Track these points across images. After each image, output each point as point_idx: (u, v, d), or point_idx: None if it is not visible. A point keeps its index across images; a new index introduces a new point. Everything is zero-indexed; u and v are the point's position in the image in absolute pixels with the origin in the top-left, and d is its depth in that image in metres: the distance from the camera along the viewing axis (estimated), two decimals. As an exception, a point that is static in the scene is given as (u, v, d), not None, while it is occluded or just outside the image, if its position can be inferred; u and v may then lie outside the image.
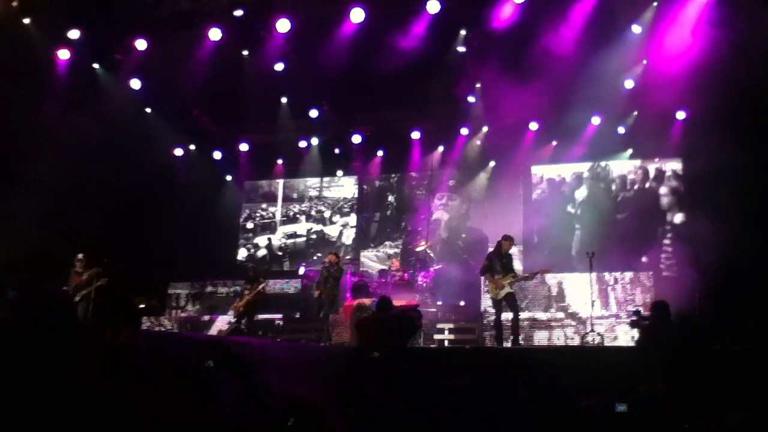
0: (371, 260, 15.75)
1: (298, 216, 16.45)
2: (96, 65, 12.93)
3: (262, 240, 16.42)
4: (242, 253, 16.44)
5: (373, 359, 7.91)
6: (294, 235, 16.32)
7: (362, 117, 15.27)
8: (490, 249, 11.18)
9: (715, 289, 10.74)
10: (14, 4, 11.40)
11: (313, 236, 16.19)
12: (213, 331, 12.67)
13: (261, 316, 12.17)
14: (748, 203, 11.36)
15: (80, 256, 11.00)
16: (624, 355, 8.78)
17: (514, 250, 10.85)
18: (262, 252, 16.29)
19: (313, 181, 16.52)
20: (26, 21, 11.63)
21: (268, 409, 4.04)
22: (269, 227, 16.52)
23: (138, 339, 5.13)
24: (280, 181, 16.64)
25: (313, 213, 16.37)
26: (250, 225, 16.63)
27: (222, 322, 12.84)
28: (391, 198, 16.29)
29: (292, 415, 3.94)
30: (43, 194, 13.79)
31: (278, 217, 16.55)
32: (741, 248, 11.11)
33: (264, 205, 16.71)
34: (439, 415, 4.44)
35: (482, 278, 11.00)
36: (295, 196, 16.62)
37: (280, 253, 16.22)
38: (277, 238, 16.37)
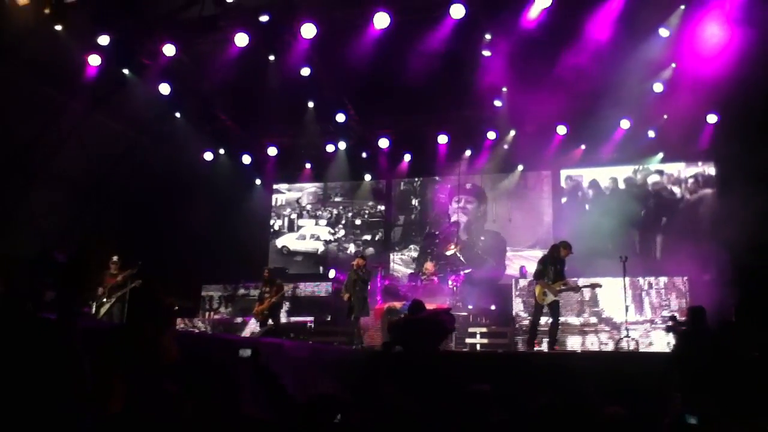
0: (396, 264, 15.83)
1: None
2: (125, 70, 13.03)
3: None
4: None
5: (397, 354, 7.87)
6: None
7: (388, 121, 15.26)
8: (514, 251, 11.09)
9: (752, 295, 10.54)
10: (46, 11, 11.55)
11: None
12: (246, 332, 12.70)
13: (293, 319, 12.19)
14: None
15: (115, 258, 11.07)
16: (660, 361, 8.62)
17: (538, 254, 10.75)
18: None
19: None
20: (58, 27, 11.75)
21: (292, 410, 3.99)
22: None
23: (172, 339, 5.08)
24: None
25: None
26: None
27: (254, 324, 12.85)
28: (414, 202, 16.31)
29: (328, 411, 3.90)
30: (70, 192, 13.97)
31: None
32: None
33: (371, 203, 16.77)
34: (462, 419, 4.38)
35: (536, 281, 10.73)
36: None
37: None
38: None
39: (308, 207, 17.04)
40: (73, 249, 9.50)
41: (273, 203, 17.18)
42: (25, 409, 3.33)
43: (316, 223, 16.90)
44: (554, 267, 10.15)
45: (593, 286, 10.60)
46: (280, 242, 16.92)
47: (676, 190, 14.24)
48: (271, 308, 11.62)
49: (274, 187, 17.17)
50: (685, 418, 5.07)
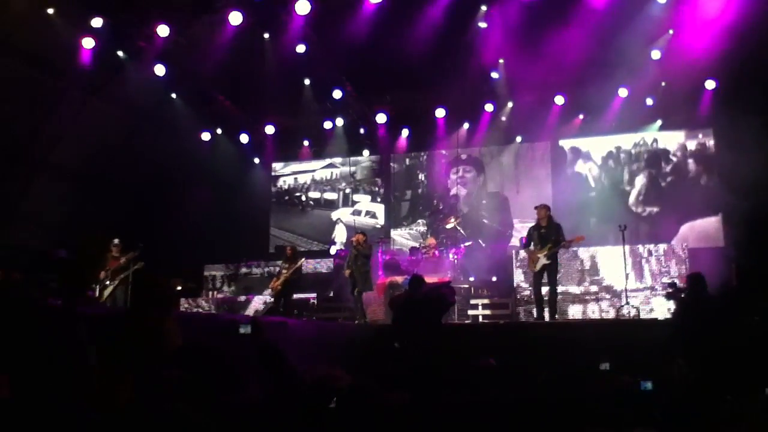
0: (404, 238, 15.79)
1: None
2: (120, 53, 12.97)
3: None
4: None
5: (396, 348, 7.94)
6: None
7: (386, 96, 15.20)
8: (521, 222, 11.13)
9: (753, 259, 10.60)
10: (36, -6, 11.46)
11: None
12: (250, 311, 12.81)
13: (296, 296, 12.27)
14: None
15: (116, 241, 11.11)
16: (661, 327, 8.71)
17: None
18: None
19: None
20: (50, 11, 11.68)
21: (294, 389, 4.04)
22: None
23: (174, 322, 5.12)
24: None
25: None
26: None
27: (258, 303, 12.98)
28: (421, 176, 16.29)
29: (324, 393, 3.95)
30: (71, 180, 13.99)
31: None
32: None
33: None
34: (465, 394, 4.44)
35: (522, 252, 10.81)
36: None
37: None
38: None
39: (364, 181, 16.72)
40: (74, 245, 9.56)
41: (329, 176, 16.95)
42: (27, 399, 3.39)
43: (372, 200, 16.65)
44: (537, 232, 10.11)
45: (577, 240, 10.24)
46: (335, 215, 16.71)
47: (675, 157, 14.22)
48: (284, 283, 11.70)
49: (328, 161, 16.93)
50: (641, 384, 5.14)
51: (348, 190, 16.80)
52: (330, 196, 16.88)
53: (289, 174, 17.16)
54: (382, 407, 3.74)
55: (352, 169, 16.80)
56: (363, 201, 16.66)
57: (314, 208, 16.88)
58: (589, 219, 13.20)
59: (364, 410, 3.60)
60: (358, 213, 16.56)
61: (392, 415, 3.74)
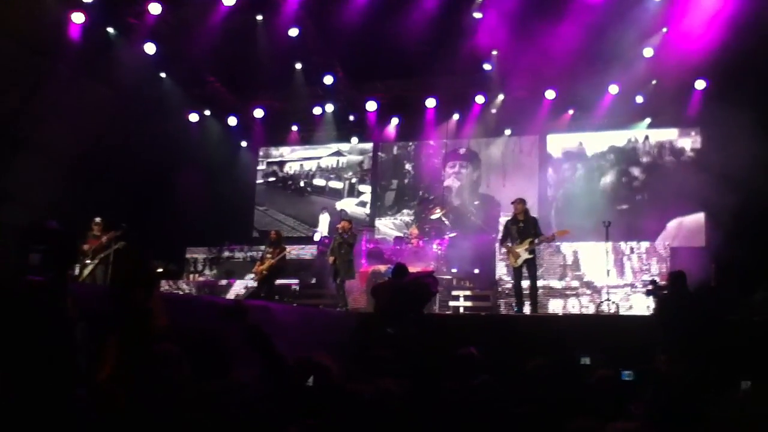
0: (389, 228, 15.72)
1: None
2: (110, 29, 12.80)
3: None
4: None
5: (388, 333, 7.95)
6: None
7: (377, 84, 15.15)
8: (506, 216, 11.21)
9: (732, 260, 10.70)
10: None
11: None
12: (230, 295, 12.80)
13: (278, 282, 12.24)
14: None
15: (98, 219, 11.02)
16: (640, 324, 8.80)
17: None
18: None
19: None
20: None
21: (283, 374, 4.04)
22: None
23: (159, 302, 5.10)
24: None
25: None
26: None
27: (239, 287, 12.96)
28: (408, 166, 16.24)
29: (309, 375, 3.96)
30: (56, 159, 13.82)
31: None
32: (760, 219, 11.07)
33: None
34: (448, 382, 4.46)
35: (501, 247, 10.94)
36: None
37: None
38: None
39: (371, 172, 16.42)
40: (65, 219, 9.47)
41: (335, 165, 16.69)
42: (14, 377, 3.35)
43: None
44: (516, 226, 10.16)
45: (559, 234, 10.47)
46: (339, 205, 16.42)
47: (663, 155, 14.30)
48: (270, 269, 11.66)
49: (338, 148, 16.70)
50: (621, 374, 5.18)
51: (354, 180, 16.57)
52: (335, 184, 16.60)
53: (296, 159, 16.90)
54: (373, 394, 3.74)
55: (360, 158, 16.61)
56: (368, 192, 16.40)
57: (319, 195, 16.64)
58: (575, 214, 13.26)
59: (353, 396, 3.60)
60: (363, 204, 16.37)
61: (382, 401, 3.74)
